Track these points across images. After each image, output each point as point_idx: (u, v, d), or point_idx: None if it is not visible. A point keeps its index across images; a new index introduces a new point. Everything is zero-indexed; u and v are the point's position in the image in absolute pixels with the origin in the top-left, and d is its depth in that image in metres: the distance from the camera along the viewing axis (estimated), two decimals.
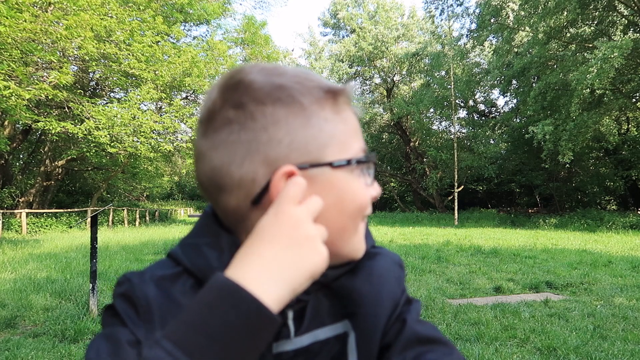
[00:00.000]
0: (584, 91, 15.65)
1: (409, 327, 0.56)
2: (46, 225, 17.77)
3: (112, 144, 14.53)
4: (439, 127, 33.97)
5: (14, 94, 10.70)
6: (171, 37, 18.57)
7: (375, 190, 0.56)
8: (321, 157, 0.50)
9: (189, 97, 20.85)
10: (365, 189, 0.54)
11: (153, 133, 15.82)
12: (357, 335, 0.56)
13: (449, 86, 26.56)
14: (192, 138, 18.34)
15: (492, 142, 29.36)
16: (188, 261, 0.54)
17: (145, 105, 17.97)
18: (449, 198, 29.45)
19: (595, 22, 19.37)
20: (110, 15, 13.53)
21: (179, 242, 0.58)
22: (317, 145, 0.50)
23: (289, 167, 0.48)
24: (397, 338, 0.56)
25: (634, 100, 19.47)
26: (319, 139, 0.50)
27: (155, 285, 0.53)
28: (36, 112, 14.24)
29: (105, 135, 14.07)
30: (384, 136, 37.69)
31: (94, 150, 16.08)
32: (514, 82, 26.50)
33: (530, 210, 26.72)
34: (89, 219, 7.30)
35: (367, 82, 37.38)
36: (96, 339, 0.49)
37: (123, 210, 23.37)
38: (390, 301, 0.58)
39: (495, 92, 31.03)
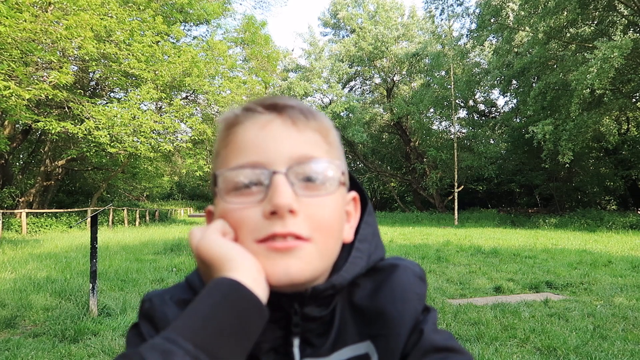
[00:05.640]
0: (584, 91, 15.65)
1: (426, 337, 0.56)
2: (46, 225, 17.76)
3: (112, 144, 14.52)
4: (439, 127, 34.00)
5: (14, 94, 10.70)
6: (171, 37, 18.57)
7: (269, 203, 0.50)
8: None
9: (189, 97, 20.85)
10: (228, 208, 0.52)
11: (153, 133, 15.82)
12: (379, 357, 0.56)
13: (449, 86, 26.56)
14: (192, 138, 18.36)
15: (492, 142, 29.36)
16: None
17: (145, 105, 17.97)
18: (449, 198, 29.46)
19: (595, 22, 19.37)
20: (110, 15, 13.53)
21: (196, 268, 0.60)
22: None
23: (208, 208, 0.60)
24: (414, 348, 0.56)
25: (634, 100, 19.48)
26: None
27: (175, 306, 0.56)
28: (36, 112, 14.23)
29: (105, 135, 14.07)
30: (384, 136, 37.69)
31: (94, 150, 16.08)
32: (514, 82, 26.51)
33: (530, 210, 26.70)
34: (89, 219, 7.29)
35: (367, 82, 37.40)
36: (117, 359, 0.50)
37: (123, 210, 23.36)
38: (412, 319, 0.57)
39: (495, 92, 31.06)
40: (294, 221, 0.49)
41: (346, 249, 0.59)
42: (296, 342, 0.54)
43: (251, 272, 0.47)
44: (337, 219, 0.54)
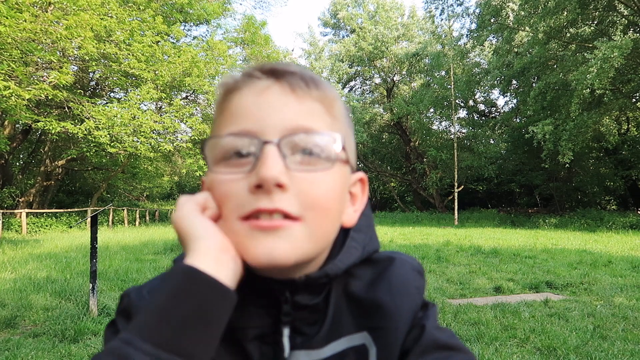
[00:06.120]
0: (584, 91, 15.65)
1: (428, 333, 0.55)
2: (46, 225, 17.77)
3: (112, 144, 14.52)
4: (439, 127, 34.03)
5: (14, 94, 10.69)
6: (171, 37, 18.57)
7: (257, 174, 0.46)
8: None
9: (189, 97, 20.84)
10: (215, 180, 0.48)
11: (153, 133, 15.81)
12: (378, 349, 0.54)
13: (449, 86, 26.57)
14: (192, 138, 18.35)
15: (492, 142, 29.37)
16: None
17: (145, 105, 17.97)
18: (449, 198, 29.47)
19: (595, 22, 19.38)
20: (110, 15, 13.54)
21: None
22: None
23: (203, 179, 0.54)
24: (415, 344, 0.54)
25: (634, 100, 19.48)
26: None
27: None
28: (36, 112, 14.23)
29: (105, 135, 14.07)
30: (384, 136, 37.69)
31: (94, 150, 16.09)
32: (514, 82, 26.52)
33: (530, 210, 26.72)
34: (89, 219, 7.29)
35: (367, 82, 37.42)
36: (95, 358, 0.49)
37: (123, 210, 23.37)
38: (411, 313, 0.56)
39: (495, 92, 31.06)
40: (282, 197, 0.45)
41: (342, 236, 0.56)
42: (286, 331, 0.52)
43: (212, 251, 0.44)
44: (334, 199, 0.49)
